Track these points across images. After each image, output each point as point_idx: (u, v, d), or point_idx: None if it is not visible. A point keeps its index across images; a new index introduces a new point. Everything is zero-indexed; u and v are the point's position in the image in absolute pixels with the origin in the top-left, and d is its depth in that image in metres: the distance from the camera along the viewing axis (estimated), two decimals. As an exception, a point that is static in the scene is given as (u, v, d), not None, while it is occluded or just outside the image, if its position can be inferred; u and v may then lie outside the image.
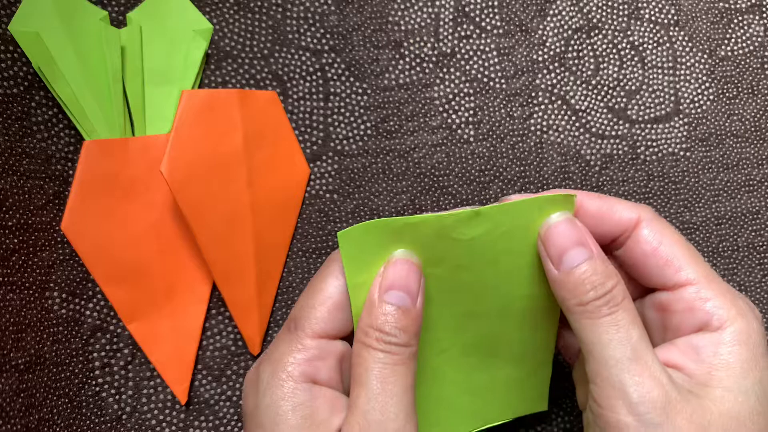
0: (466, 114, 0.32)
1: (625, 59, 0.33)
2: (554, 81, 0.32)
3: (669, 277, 0.23)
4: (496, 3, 0.32)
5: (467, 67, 0.32)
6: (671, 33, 0.33)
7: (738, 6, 0.34)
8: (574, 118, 0.33)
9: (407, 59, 0.32)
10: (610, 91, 0.33)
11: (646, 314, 0.25)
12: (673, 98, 0.33)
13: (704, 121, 0.33)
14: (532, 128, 0.32)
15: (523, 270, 0.24)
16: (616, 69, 0.33)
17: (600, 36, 0.33)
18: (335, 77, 0.31)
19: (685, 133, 0.33)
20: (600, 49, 0.33)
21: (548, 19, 0.33)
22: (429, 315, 0.24)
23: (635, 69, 0.33)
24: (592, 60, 0.33)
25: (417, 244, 0.22)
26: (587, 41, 0.33)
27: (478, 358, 0.27)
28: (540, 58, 0.32)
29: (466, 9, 0.32)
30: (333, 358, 0.22)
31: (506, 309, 0.25)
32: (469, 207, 0.23)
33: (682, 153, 0.33)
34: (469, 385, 0.27)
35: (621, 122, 0.33)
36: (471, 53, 0.32)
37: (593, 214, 0.24)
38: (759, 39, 0.34)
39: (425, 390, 0.26)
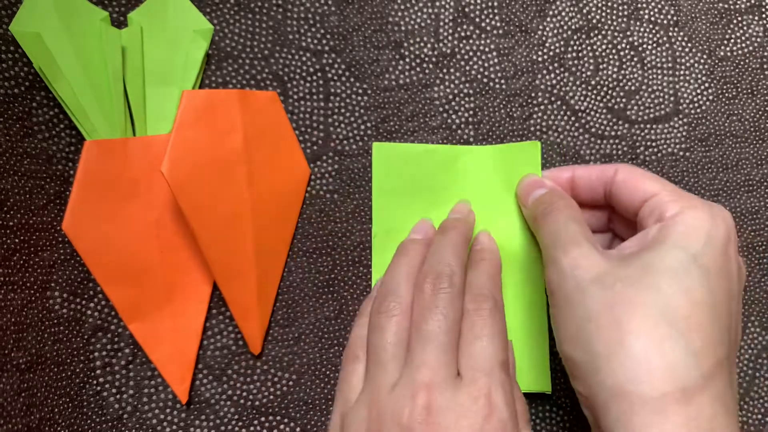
0: (466, 114, 0.32)
1: (624, 60, 0.33)
2: (554, 81, 0.33)
3: (639, 199, 0.27)
4: (495, 3, 0.33)
5: (467, 68, 0.32)
6: (671, 33, 0.33)
7: (737, 6, 0.34)
8: (573, 118, 0.33)
9: (407, 60, 0.32)
10: (610, 92, 0.33)
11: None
12: (672, 98, 0.33)
13: (703, 121, 0.33)
14: (532, 128, 0.32)
15: (506, 217, 0.31)
16: (615, 69, 0.33)
17: (599, 36, 0.33)
18: (335, 77, 0.31)
19: (684, 134, 0.33)
20: (599, 49, 0.33)
21: (548, 19, 0.33)
22: None
23: (635, 69, 0.33)
24: (591, 60, 0.33)
25: (431, 168, 0.31)
26: (587, 42, 0.33)
27: None
28: (540, 59, 0.33)
29: (466, 9, 0.32)
30: None
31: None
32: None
33: (681, 153, 0.33)
34: None
35: (620, 122, 0.33)
36: (471, 54, 0.32)
37: (581, 184, 0.29)
38: (758, 39, 0.34)
39: None
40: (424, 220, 0.30)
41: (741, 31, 0.34)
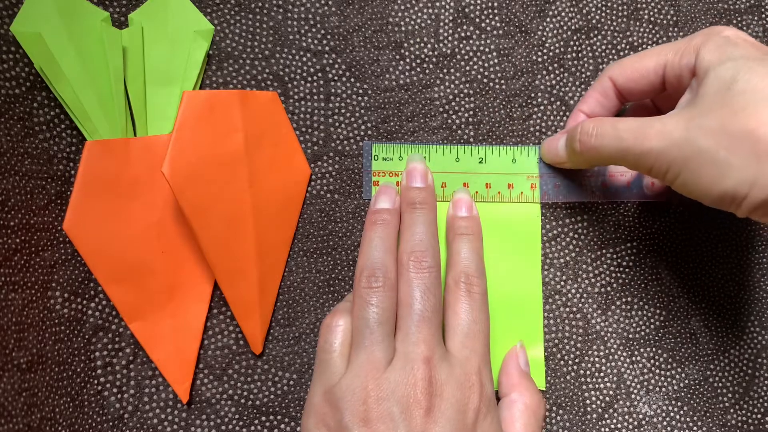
0: (466, 114, 0.32)
1: (624, 60, 0.33)
2: (553, 82, 0.33)
3: (647, 83, 0.28)
4: (495, 4, 0.33)
5: (467, 68, 0.32)
6: (670, 34, 0.33)
7: (737, 6, 0.34)
8: (573, 118, 0.33)
9: (407, 60, 0.32)
10: (610, 92, 0.33)
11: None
12: (672, 99, 0.33)
13: (703, 121, 0.33)
14: (532, 129, 0.32)
15: (502, 214, 0.31)
16: (615, 69, 0.33)
17: (599, 37, 0.33)
18: (336, 78, 0.31)
19: (684, 134, 0.33)
20: (599, 49, 0.33)
21: (548, 20, 0.33)
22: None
23: (634, 69, 0.33)
24: (591, 61, 0.33)
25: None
26: (586, 42, 0.33)
27: None
28: (539, 59, 0.33)
29: (466, 10, 0.32)
30: None
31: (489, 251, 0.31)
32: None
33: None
34: None
35: (620, 123, 0.33)
36: (471, 54, 0.32)
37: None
38: (758, 39, 0.34)
39: None
40: (388, 184, 0.30)
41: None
